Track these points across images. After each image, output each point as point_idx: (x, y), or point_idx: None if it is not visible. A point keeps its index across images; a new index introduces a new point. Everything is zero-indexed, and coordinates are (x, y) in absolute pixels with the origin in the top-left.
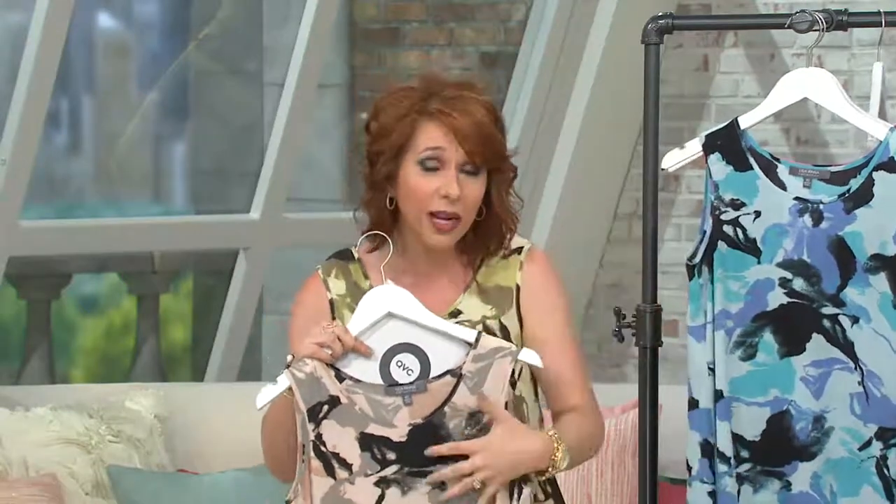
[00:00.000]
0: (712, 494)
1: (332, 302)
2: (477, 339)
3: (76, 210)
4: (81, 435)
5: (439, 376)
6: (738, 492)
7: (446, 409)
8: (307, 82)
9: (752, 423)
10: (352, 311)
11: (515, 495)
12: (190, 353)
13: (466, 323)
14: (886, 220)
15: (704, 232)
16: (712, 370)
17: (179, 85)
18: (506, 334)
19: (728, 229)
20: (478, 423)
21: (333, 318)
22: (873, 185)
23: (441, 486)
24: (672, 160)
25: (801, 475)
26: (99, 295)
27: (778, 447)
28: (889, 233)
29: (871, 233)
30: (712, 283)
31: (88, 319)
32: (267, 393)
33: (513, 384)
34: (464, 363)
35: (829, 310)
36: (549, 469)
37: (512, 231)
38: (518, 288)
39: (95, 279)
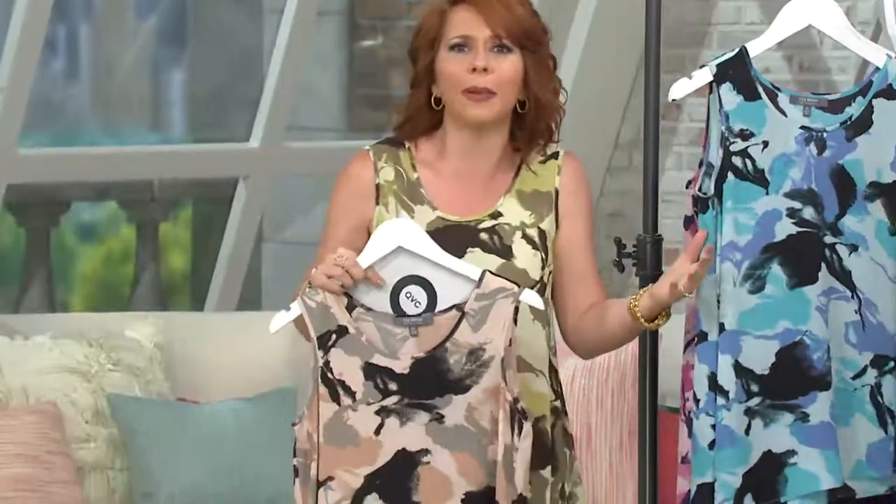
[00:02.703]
0: (715, 427)
1: (378, 186)
2: (481, 279)
3: (74, 137)
4: (81, 363)
5: (445, 310)
6: (749, 426)
7: (448, 344)
8: (306, 9)
9: (760, 356)
10: (398, 199)
11: (516, 430)
12: (189, 282)
13: (507, 226)
14: (884, 147)
15: (711, 164)
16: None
17: (178, 11)
18: (543, 240)
19: (737, 160)
20: (477, 359)
21: (378, 203)
22: (872, 112)
23: (440, 418)
24: (681, 90)
25: (821, 405)
26: (98, 223)
27: (791, 379)
28: (886, 160)
29: (870, 160)
30: (721, 214)
31: (87, 247)
32: (280, 319)
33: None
34: (468, 300)
35: (828, 238)
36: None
37: (557, 122)
38: (557, 192)
39: (94, 207)
